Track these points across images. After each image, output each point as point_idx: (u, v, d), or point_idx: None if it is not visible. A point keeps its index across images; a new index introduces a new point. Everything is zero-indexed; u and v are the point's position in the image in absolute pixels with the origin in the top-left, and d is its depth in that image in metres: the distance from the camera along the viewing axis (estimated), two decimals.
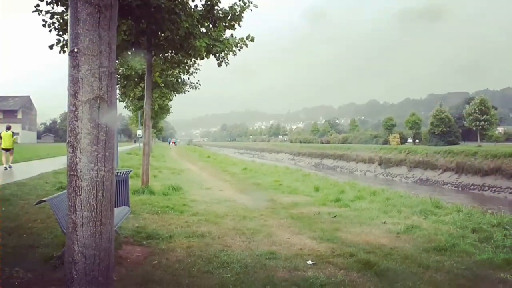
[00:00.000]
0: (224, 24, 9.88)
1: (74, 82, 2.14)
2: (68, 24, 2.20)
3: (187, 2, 9.20)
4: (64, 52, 9.25)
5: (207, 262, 5.04)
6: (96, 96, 2.16)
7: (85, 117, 2.14)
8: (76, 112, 2.14)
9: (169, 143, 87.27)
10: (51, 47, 9.26)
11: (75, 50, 2.13)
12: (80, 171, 2.15)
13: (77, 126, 2.14)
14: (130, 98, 23.18)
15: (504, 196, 23.06)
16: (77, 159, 2.15)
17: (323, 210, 9.04)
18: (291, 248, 5.85)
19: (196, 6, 9.51)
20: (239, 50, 10.35)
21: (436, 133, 46.34)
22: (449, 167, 30.09)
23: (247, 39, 10.32)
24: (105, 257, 2.23)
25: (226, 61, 10.40)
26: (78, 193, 2.16)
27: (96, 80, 2.15)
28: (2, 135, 16.96)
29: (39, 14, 8.62)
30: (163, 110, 29.72)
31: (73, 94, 2.15)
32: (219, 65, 10.37)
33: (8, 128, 17.75)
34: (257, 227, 7.14)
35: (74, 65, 2.14)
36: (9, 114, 72.59)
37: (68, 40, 2.21)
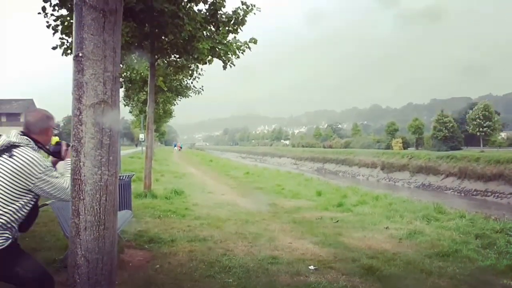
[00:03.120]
0: (227, 28, 9.90)
1: (78, 86, 2.15)
2: (73, 29, 2.21)
3: (191, 7, 9.24)
4: (67, 55, 9.28)
5: (209, 267, 5.03)
6: (100, 101, 2.16)
7: (89, 121, 2.15)
8: (80, 116, 2.15)
9: (175, 146, 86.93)
10: (54, 48, 9.30)
11: (80, 54, 2.14)
12: (84, 175, 2.16)
13: (81, 130, 2.15)
14: (134, 102, 23.24)
15: (507, 202, 22.96)
16: (81, 163, 2.16)
17: (325, 215, 9.02)
18: (293, 253, 5.84)
19: (200, 10, 9.54)
20: (242, 53, 10.34)
21: (439, 138, 46.25)
22: (452, 173, 29.99)
23: (250, 42, 10.32)
24: (108, 261, 2.23)
25: (231, 63, 10.37)
26: (81, 197, 2.16)
27: (100, 85, 2.16)
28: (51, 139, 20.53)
29: (45, 17, 8.66)
30: (166, 114, 29.78)
31: (78, 99, 2.15)
32: (224, 67, 10.35)
33: (56, 134, 21.43)
34: (259, 232, 7.13)
35: (79, 69, 2.14)
36: (12, 117, 72.76)
37: (73, 45, 2.22)
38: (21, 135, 2.62)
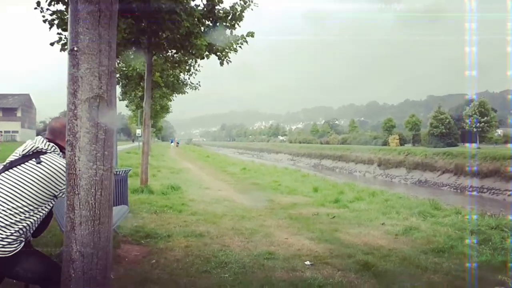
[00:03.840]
0: (225, 23, 9.87)
1: (73, 80, 2.14)
2: (68, 23, 2.20)
3: (188, 2, 9.19)
4: (65, 50, 9.21)
5: (205, 262, 5.04)
6: (95, 95, 2.15)
7: (84, 116, 2.14)
8: (75, 111, 2.14)
9: (172, 141, 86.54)
10: (52, 44, 9.24)
11: (75, 48, 2.13)
12: (79, 170, 2.15)
13: (76, 125, 2.14)
14: (131, 97, 23.15)
15: (503, 199, 23.08)
16: (76, 158, 2.15)
17: (321, 211, 9.04)
18: (289, 249, 5.85)
19: (197, 5, 9.50)
20: (240, 47, 10.31)
21: (435, 135, 46.34)
22: (448, 169, 30.11)
23: (247, 36, 10.29)
24: (103, 256, 2.23)
25: (228, 59, 10.36)
26: (76, 192, 2.16)
27: (95, 79, 2.15)
28: None
29: (41, 12, 8.60)
30: (163, 109, 29.70)
31: (73, 93, 2.14)
32: (221, 63, 10.33)
33: None
34: (256, 227, 7.13)
35: (74, 63, 2.13)
36: (9, 112, 72.46)
37: (68, 39, 2.20)
38: (47, 141, 2.62)
